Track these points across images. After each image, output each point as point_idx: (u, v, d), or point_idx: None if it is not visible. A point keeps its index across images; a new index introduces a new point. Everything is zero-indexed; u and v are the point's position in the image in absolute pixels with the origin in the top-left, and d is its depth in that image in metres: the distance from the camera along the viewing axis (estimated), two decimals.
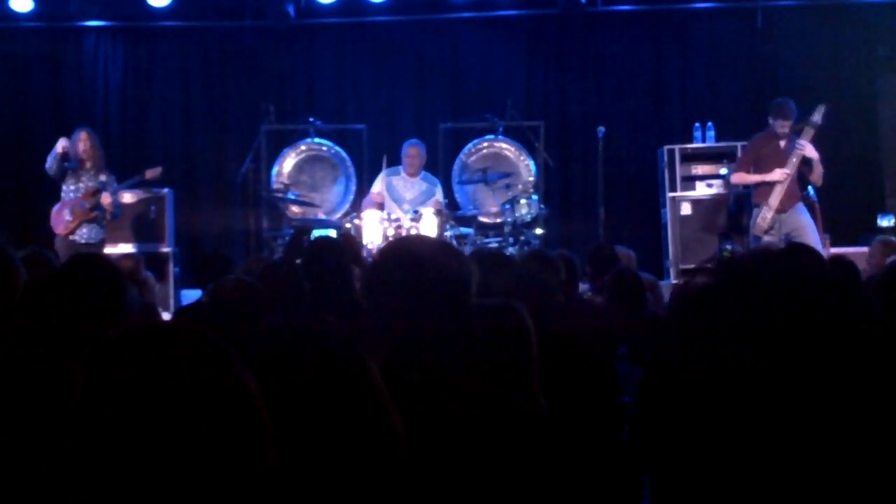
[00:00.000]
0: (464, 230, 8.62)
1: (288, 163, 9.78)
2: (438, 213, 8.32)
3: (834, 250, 8.10)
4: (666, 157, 9.53)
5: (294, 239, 8.05)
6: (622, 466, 3.34)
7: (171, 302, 8.82)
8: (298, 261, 4.63)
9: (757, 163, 7.92)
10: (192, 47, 10.57)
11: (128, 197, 9.11)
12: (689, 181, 9.53)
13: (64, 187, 8.16)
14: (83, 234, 8.10)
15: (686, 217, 9.41)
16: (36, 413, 2.05)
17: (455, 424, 1.97)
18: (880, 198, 9.98)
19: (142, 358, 1.24)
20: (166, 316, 7.01)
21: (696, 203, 9.44)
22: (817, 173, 7.89)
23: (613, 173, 9.64)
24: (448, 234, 8.27)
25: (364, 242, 8.01)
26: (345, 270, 4.37)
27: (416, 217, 8.30)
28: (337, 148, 9.84)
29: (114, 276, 2.79)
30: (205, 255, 6.86)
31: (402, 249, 2.24)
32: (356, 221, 8.38)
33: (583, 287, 5.75)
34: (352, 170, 9.79)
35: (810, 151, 7.77)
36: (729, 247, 5.56)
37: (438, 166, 9.67)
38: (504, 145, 9.77)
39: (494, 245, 8.49)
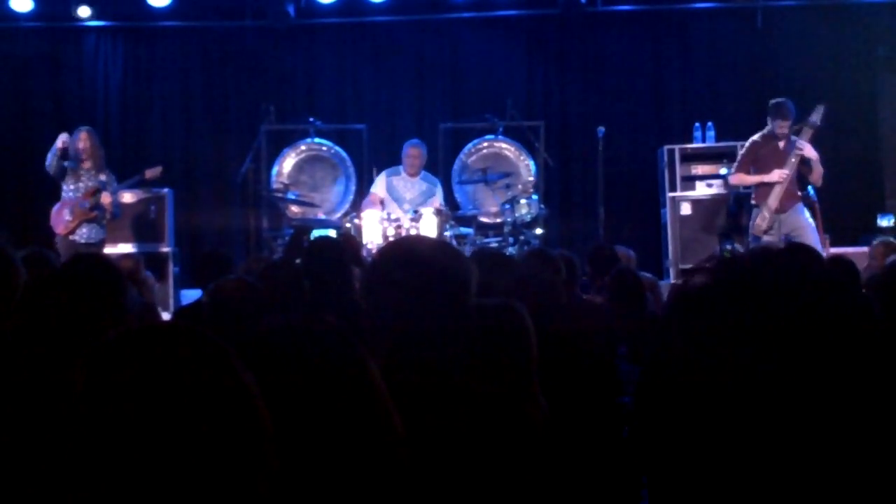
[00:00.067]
0: (464, 230, 8.62)
1: (288, 163, 9.78)
2: (438, 212, 8.33)
3: (834, 250, 8.10)
4: (666, 157, 9.53)
5: (294, 239, 8.05)
6: (622, 466, 3.34)
7: (171, 302, 8.82)
8: (298, 261, 4.63)
9: (756, 163, 7.92)
10: (192, 47, 10.57)
11: (128, 197, 9.12)
12: (689, 181, 9.53)
13: (64, 187, 8.16)
14: (83, 234, 8.10)
15: (686, 217, 9.41)
16: (36, 413, 2.05)
17: (455, 424, 1.97)
18: (880, 198, 9.98)
19: (142, 358, 1.24)
20: (166, 316, 7.01)
21: (696, 203, 9.44)
22: (817, 173, 7.89)
23: (613, 173, 9.64)
24: (448, 234, 8.27)
25: (364, 242, 8.01)
26: (345, 270, 4.38)
27: (416, 217, 8.30)
28: (337, 148, 9.84)
29: (114, 276, 2.79)
30: (205, 255, 6.86)
31: (402, 249, 2.24)
32: (356, 221, 8.38)
33: (583, 287, 5.74)
34: (352, 170, 9.79)
35: (809, 152, 7.77)
36: (729, 247, 5.56)
37: (438, 166, 9.67)
38: (504, 145, 9.77)
39: (494, 245, 8.50)
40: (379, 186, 9.08)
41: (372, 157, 9.74)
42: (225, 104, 10.60)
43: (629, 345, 4.34)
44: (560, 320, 3.30)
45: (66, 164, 8.15)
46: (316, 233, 8.25)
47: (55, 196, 8.27)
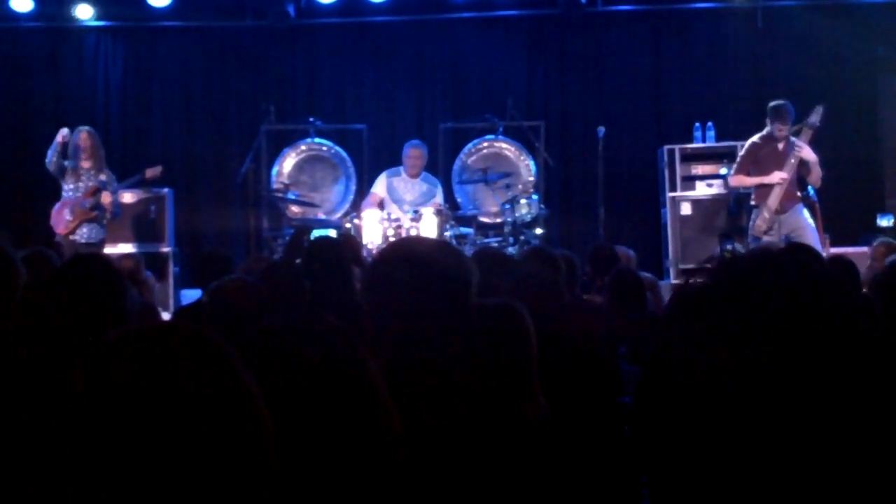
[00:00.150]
0: (464, 230, 8.61)
1: (288, 163, 9.78)
2: (438, 212, 8.33)
3: (834, 250, 8.10)
4: (666, 157, 9.52)
5: (294, 239, 8.05)
6: (622, 466, 3.34)
7: (171, 302, 8.82)
8: (298, 261, 4.63)
9: (756, 165, 7.93)
10: (193, 47, 10.57)
11: (128, 197, 9.12)
12: (689, 181, 9.53)
13: (64, 186, 8.17)
14: (83, 234, 8.11)
15: (686, 217, 9.40)
16: (36, 413, 2.05)
17: (455, 424, 1.97)
18: (880, 198, 9.98)
19: (142, 358, 1.24)
20: (166, 316, 7.00)
21: (696, 203, 9.43)
22: (815, 175, 7.89)
23: (613, 173, 9.64)
24: (448, 234, 8.27)
25: (364, 242, 8.01)
26: (345, 270, 4.38)
27: (416, 217, 8.30)
28: (337, 148, 9.84)
29: (114, 276, 2.79)
30: (205, 254, 6.86)
31: (403, 249, 2.24)
32: (356, 221, 8.38)
33: (583, 287, 5.74)
34: (352, 170, 9.79)
35: (808, 154, 7.77)
36: (729, 247, 5.56)
37: (438, 166, 9.67)
38: (504, 145, 9.77)
39: (495, 245, 8.49)
40: (379, 187, 9.08)
41: (372, 157, 9.74)
42: (225, 104, 10.59)
43: (629, 345, 4.34)
44: (560, 320, 3.30)
45: (66, 163, 8.16)
46: (316, 233, 8.25)
47: (55, 196, 8.27)
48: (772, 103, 7.94)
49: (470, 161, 9.76)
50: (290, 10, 10.06)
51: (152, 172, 8.53)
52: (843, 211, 9.35)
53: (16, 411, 2.09)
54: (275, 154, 9.80)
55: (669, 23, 10.44)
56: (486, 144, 9.79)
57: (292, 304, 3.66)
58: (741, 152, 8.16)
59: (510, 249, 8.25)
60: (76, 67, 10.57)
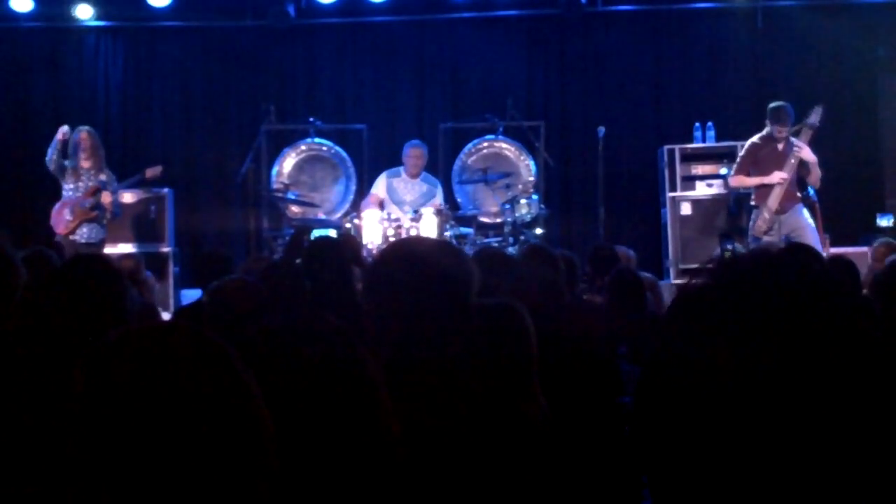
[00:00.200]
0: (464, 230, 8.62)
1: (288, 163, 9.78)
2: (438, 212, 8.33)
3: (834, 250, 8.10)
4: (666, 157, 9.52)
5: (294, 239, 8.05)
6: (622, 466, 3.34)
7: (171, 302, 8.82)
8: (298, 261, 4.63)
9: (755, 165, 7.93)
10: (193, 47, 10.57)
11: (128, 197, 9.12)
12: (689, 181, 9.53)
13: (64, 186, 8.18)
14: (83, 234, 8.11)
15: (686, 217, 9.40)
16: (36, 413, 2.05)
17: (455, 424, 1.97)
18: (880, 198, 9.98)
19: (142, 358, 1.24)
20: (166, 316, 7.01)
21: (696, 203, 9.43)
22: (815, 175, 7.89)
23: (613, 173, 9.64)
24: (448, 233, 8.27)
25: (364, 242, 8.01)
26: (345, 270, 4.38)
27: (416, 217, 8.30)
28: (337, 148, 9.84)
29: (114, 276, 2.79)
30: (205, 254, 6.87)
31: (404, 250, 2.24)
32: (356, 221, 8.38)
33: (583, 287, 5.74)
34: (352, 170, 9.79)
35: (807, 155, 7.78)
36: (730, 247, 5.56)
37: (438, 166, 9.67)
38: (504, 145, 9.77)
39: (495, 244, 8.49)
40: (379, 187, 9.08)
41: (372, 157, 9.75)
42: (225, 104, 10.59)
43: (629, 345, 4.33)
44: (560, 320, 3.30)
45: (66, 162, 8.16)
46: (316, 233, 8.26)
47: (55, 196, 8.28)
48: (771, 105, 7.94)
49: (470, 161, 9.76)
50: (290, 10, 10.06)
51: (152, 172, 8.53)
52: (843, 211, 9.35)
53: (16, 411, 2.09)
54: (275, 154, 9.80)
55: (669, 23, 10.44)
56: (486, 144, 9.79)
57: (292, 304, 3.66)
58: (741, 153, 8.17)
59: (510, 249, 8.25)
60: (76, 67, 10.57)
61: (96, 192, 8.11)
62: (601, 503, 3.24)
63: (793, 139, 7.83)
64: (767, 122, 7.88)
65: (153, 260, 8.61)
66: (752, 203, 8.01)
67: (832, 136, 9.02)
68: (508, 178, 9.13)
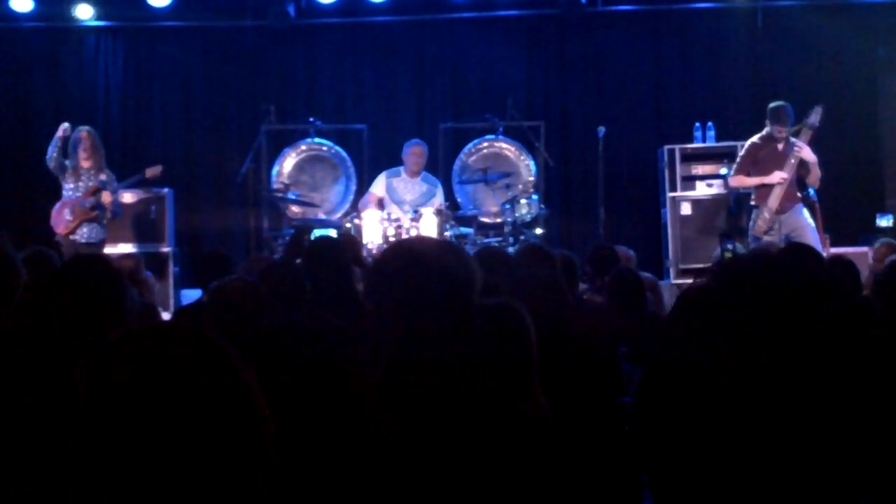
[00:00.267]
0: (464, 230, 8.62)
1: (288, 163, 9.78)
2: (438, 212, 8.33)
3: (834, 250, 8.10)
4: (666, 157, 9.52)
5: (294, 239, 8.06)
6: (623, 466, 3.34)
7: (171, 302, 8.82)
8: (299, 261, 4.63)
9: (755, 165, 7.93)
10: (193, 47, 10.57)
11: (128, 197, 9.12)
12: (689, 181, 9.53)
13: (64, 186, 8.18)
14: (83, 234, 8.11)
15: (686, 217, 9.40)
16: (36, 413, 2.05)
17: (455, 424, 1.97)
18: (880, 198, 9.98)
19: (142, 358, 1.24)
20: (166, 316, 7.01)
21: (696, 203, 9.43)
22: (814, 175, 7.89)
23: (613, 173, 9.64)
24: (448, 233, 8.27)
25: (364, 242, 8.01)
26: (345, 270, 4.38)
27: (416, 217, 8.30)
28: (337, 148, 9.84)
29: (114, 276, 2.79)
30: (205, 255, 6.86)
31: (406, 249, 2.24)
32: (356, 221, 8.38)
33: (583, 287, 5.75)
34: (352, 170, 9.79)
35: (807, 154, 7.78)
36: (730, 247, 5.56)
37: (438, 166, 9.67)
38: (504, 145, 9.77)
39: (495, 244, 8.49)
40: (378, 186, 9.08)
41: (372, 157, 9.74)
42: (225, 104, 10.59)
43: (629, 345, 4.34)
44: (560, 320, 3.30)
45: (66, 162, 8.16)
46: (316, 233, 8.26)
47: (55, 196, 8.28)
48: (771, 105, 7.94)
49: (470, 161, 9.76)
50: (290, 10, 10.06)
51: (152, 172, 8.53)
52: (843, 211, 9.35)
53: (16, 411, 2.09)
54: (275, 154, 9.80)
55: (669, 23, 10.44)
56: (486, 144, 9.79)
57: (292, 304, 3.66)
58: (741, 153, 8.17)
59: (510, 250, 8.25)
60: (76, 67, 10.57)
61: (96, 191, 8.11)
62: (601, 503, 3.24)
63: (793, 139, 7.83)
64: (767, 121, 7.88)
65: (153, 260, 8.61)
66: (752, 203, 8.01)
67: (832, 136, 9.01)
68: (508, 178, 9.13)
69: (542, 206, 8.91)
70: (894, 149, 10.24)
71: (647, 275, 6.28)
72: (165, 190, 9.42)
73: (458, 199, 9.72)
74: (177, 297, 9.01)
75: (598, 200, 9.19)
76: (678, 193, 9.45)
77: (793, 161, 7.73)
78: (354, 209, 9.16)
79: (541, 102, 10.46)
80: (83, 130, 8.22)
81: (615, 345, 4.12)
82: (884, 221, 9.24)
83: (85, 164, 8.17)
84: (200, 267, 5.78)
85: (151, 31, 10.56)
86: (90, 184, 8.14)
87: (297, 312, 3.32)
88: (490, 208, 9.50)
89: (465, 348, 2.07)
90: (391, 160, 9.33)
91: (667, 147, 9.57)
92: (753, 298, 1.42)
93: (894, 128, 10.25)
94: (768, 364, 1.39)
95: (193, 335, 1.29)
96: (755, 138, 8.00)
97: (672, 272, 9.27)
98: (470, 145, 9.79)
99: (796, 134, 7.86)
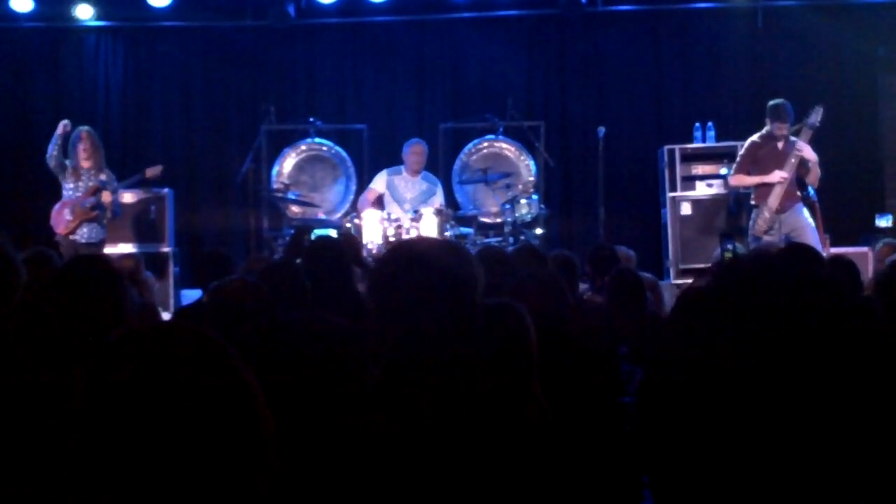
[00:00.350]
0: (464, 230, 8.62)
1: (288, 163, 9.78)
2: (439, 212, 8.33)
3: (834, 250, 8.10)
4: (666, 157, 9.52)
5: (294, 239, 8.07)
6: (623, 466, 3.34)
7: (171, 302, 8.82)
8: (299, 260, 4.63)
9: (755, 164, 7.93)
10: (193, 47, 10.57)
11: (128, 197, 9.12)
12: (690, 181, 9.53)
13: (64, 186, 8.18)
14: (83, 234, 8.11)
15: (686, 217, 9.40)
16: (36, 413, 2.05)
17: (455, 424, 1.97)
18: (880, 198, 9.98)
19: (142, 358, 1.24)
20: (166, 316, 7.01)
21: (696, 203, 9.43)
22: (814, 175, 7.89)
23: (613, 173, 9.64)
24: (448, 234, 8.27)
25: (364, 242, 8.01)
26: (345, 270, 4.38)
27: (417, 217, 8.30)
28: (337, 148, 9.84)
29: (114, 276, 2.79)
30: (205, 254, 6.87)
31: (409, 250, 2.24)
32: (356, 221, 8.38)
33: (583, 287, 5.74)
34: (352, 170, 9.79)
35: (809, 153, 7.78)
36: (730, 247, 5.57)
37: (438, 166, 9.67)
38: (504, 145, 9.77)
39: (495, 245, 8.49)
40: (378, 183, 9.08)
41: (372, 157, 9.75)
42: (225, 104, 10.59)
43: (629, 345, 4.33)
44: (560, 320, 3.30)
45: (66, 161, 8.17)
46: (316, 233, 8.26)
47: (55, 196, 8.27)
48: (771, 102, 7.94)
49: (470, 161, 9.76)
50: (290, 10, 10.06)
51: (152, 172, 8.53)
52: (843, 211, 9.35)
53: (16, 411, 2.09)
54: (275, 154, 9.80)
55: (669, 23, 10.44)
56: (486, 144, 9.79)
57: (292, 304, 3.66)
58: (741, 151, 8.16)
59: (510, 250, 8.25)
60: (76, 67, 10.57)
61: (96, 191, 8.11)
62: (601, 503, 3.24)
63: (793, 138, 7.83)
64: (767, 119, 7.88)
65: (153, 260, 8.61)
66: (753, 202, 8.00)
67: (832, 136, 9.01)
68: (508, 178, 9.13)
69: (542, 206, 8.91)
70: (894, 149, 10.24)
71: (647, 275, 6.28)
72: (165, 190, 9.42)
73: (458, 199, 9.72)
74: (177, 297, 9.01)
75: (598, 200, 9.18)
76: (678, 193, 9.45)
77: (793, 160, 7.73)
78: (354, 209, 9.16)
79: (541, 102, 10.46)
80: (83, 130, 8.22)
81: (615, 345, 4.12)
82: (883, 221, 9.24)
83: (85, 163, 8.17)
84: (200, 267, 5.78)
85: (151, 31, 10.56)
86: (90, 184, 8.14)
87: (297, 312, 3.33)
88: (490, 208, 9.50)
89: (465, 348, 2.07)
90: (391, 160, 9.33)
91: (667, 147, 9.56)
92: (753, 298, 1.42)
93: (894, 128, 10.25)
94: (769, 364, 1.39)
95: (193, 335, 1.29)
96: (755, 137, 7.99)
97: (672, 272, 9.27)
98: (470, 145, 9.79)
99: (796, 134, 7.86)
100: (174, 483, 1.20)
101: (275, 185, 9.42)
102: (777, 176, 7.71)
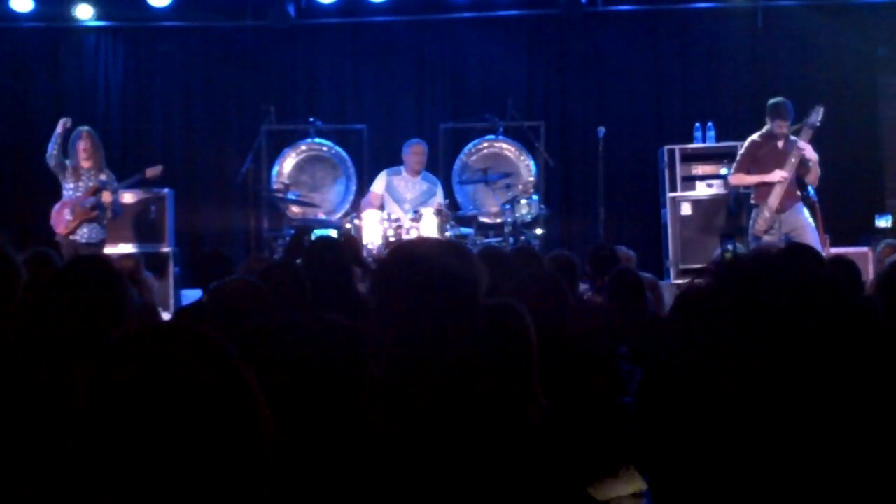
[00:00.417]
0: (464, 230, 8.62)
1: (288, 163, 9.78)
2: (439, 212, 8.33)
3: (834, 250, 8.10)
4: (666, 157, 9.52)
5: (295, 239, 8.07)
6: (623, 467, 3.34)
7: (171, 302, 8.82)
8: (299, 261, 4.63)
9: (756, 163, 7.92)
10: (193, 47, 10.57)
11: (128, 197, 9.13)
12: (690, 181, 9.53)
13: (64, 186, 8.18)
14: (83, 234, 8.11)
15: (686, 217, 9.40)
16: (36, 413, 2.05)
17: (456, 424, 1.97)
18: (880, 198, 9.98)
19: (143, 358, 1.24)
20: (166, 316, 7.01)
21: (696, 203, 9.43)
22: (814, 174, 7.89)
23: (613, 173, 9.64)
24: (448, 234, 8.27)
25: (364, 242, 8.01)
26: (345, 270, 4.38)
27: (417, 217, 8.30)
28: (337, 148, 9.84)
29: (114, 276, 2.79)
30: (205, 254, 6.87)
31: (411, 250, 2.24)
32: (356, 221, 8.38)
33: (583, 287, 5.75)
34: (352, 170, 9.79)
35: (810, 153, 7.77)
36: (731, 247, 5.57)
37: (438, 166, 9.67)
38: (504, 145, 9.77)
39: (496, 245, 8.49)
40: (378, 185, 9.08)
41: (372, 157, 9.75)
42: (225, 104, 10.59)
43: (629, 345, 4.33)
44: (560, 320, 3.30)
45: (66, 161, 8.17)
46: (316, 233, 8.26)
47: (55, 196, 8.27)
48: (771, 101, 7.94)
49: (470, 161, 9.76)
50: (290, 10, 10.06)
51: (152, 172, 8.53)
52: (843, 211, 9.35)
53: (16, 411, 2.09)
54: (275, 154, 9.80)
55: (669, 23, 10.44)
56: (486, 144, 9.79)
57: (292, 304, 3.66)
58: (741, 151, 8.16)
59: (509, 250, 8.25)
60: (76, 67, 10.57)
61: (96, 191, 8.11)
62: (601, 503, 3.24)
63: (793, 137, 7.82)
64: (767, 118, 7.87)
65: (153, 260, 8.60)
66: (753, 202, 8.00)
67: (832, 136, 9.01)
68: (508, 178, 9.13)
69: (542, 206, 8.91)
70: (894, 149, 10.24)
71: (647, 275, 6.28)
72: (165, 190, 9.42)
73: (459, 200, 9.72)
74: (177, 297, 9.01)
75: (598, 200, 9.19)
76: (678, 193, 9.45)
77: (793, 159, 7.73)
78: (354, 209, 9.16)
79: (541, 102, 10.46)
80: (83, 130, 8.23)
81: (615, 345, 4.12)
82: (883, 222, 9.24)
83: (85, 163, 8.17)
84: (200, 267, 5.78)
85: (151, 31, 10.56)
86: (90, 184, 8.14)
87: (297, 312, 3.33)
88: (490, 208, 9.50)
89: (465, 348, 2.08)
90: (391, 160, 9.33)
91: (667, 147, 9.57)
92: (754, 298, 1.41)
93: (894, 128, 10.25)
94: (769, 364, 1.39)
95: (194, 335, 1.29)
96: (755, 136, 7.99)
97: (672, 272, 9.27)
98: (470, 145, 9.80)
99: (797, 133, 7.86)
100: (174, 483, 1.20)
101: (275, 186, 9.42)
102: (777, 175, 7.71)
